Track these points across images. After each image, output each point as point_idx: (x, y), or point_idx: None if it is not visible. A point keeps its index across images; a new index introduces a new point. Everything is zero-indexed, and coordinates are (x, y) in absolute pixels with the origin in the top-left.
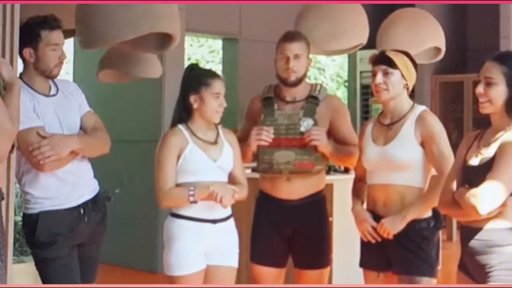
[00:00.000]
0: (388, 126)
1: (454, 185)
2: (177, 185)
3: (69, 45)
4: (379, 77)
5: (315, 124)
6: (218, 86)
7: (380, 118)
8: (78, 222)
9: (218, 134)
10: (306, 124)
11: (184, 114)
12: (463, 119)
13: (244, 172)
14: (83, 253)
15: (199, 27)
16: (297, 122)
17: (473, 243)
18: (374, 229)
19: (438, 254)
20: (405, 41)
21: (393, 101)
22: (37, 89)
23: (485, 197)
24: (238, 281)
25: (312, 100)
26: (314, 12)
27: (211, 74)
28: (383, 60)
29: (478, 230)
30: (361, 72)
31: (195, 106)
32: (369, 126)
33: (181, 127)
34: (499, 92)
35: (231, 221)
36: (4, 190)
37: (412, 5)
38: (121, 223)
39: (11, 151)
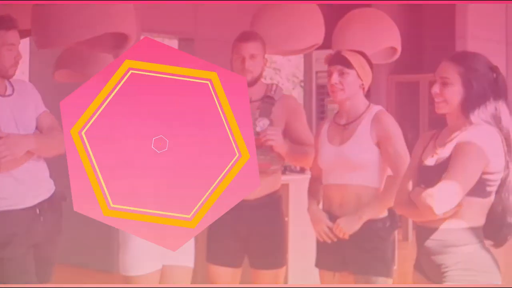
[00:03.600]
0: (344, 126)
1: (410, 185)
2: None
3: (25, 45)
4: (335, 77)
5: (271, 124)
6: None
7: (336, 118)
8: (34, 222)
9: None
10: (261, 124)
11: None
12: (419, 119)
13: None
14: (39, 253)
15: (154, 27)
16: (253, 122)
17: (428, 243)
18: (330, 229)
19: (394, 254)
20: (361, 41)
21: (349, 101)
22: None
23: (441, 197)
24: (194, 281)
25: (268, 100)
26: (270, 12)
27: None
28: (339, 60)
29: (433, 230)
30: (317, 72)
31: None
32: (325, 126)
33: None
34: (454, 92)
35: None
36: None
37: (368, 5)
38: (76, 223)
39: None
